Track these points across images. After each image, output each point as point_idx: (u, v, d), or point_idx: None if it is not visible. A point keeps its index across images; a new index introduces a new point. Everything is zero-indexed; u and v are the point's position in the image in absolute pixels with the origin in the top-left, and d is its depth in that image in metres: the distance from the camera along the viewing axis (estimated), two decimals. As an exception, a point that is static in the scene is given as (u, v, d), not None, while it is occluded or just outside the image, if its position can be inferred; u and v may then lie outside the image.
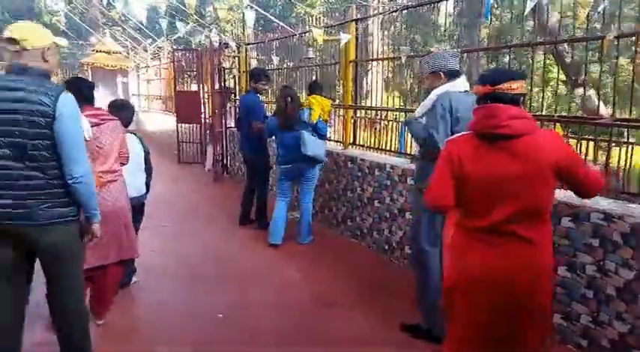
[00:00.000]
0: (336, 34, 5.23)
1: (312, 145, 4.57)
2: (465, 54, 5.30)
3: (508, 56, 3.90)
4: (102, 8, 21.54)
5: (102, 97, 17.69)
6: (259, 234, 5.12)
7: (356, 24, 5.12)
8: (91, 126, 2.81)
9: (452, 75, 2.89)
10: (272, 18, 8.13)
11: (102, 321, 3.15)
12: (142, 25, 11.36)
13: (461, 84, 2.89)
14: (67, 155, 2.08)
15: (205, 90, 9.15)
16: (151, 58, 15.91)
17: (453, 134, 2.75)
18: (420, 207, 2.93)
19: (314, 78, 6.25)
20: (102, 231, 2.46)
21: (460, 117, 2.76)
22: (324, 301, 3.62)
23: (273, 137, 4.97)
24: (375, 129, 5.03)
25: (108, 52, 17.17)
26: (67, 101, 2.08)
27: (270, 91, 6.85)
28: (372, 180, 4.71)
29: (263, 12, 7.73)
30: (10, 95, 2.01)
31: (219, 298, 3.62)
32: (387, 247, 4.56)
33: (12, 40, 2.07)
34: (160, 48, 14.97)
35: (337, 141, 5.65)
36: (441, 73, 2.90)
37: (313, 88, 5.13)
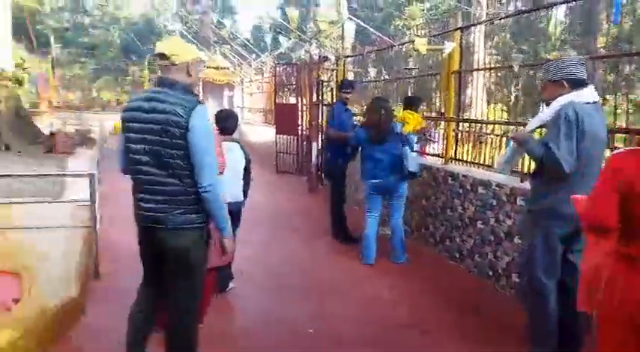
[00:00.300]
0: (439, 44, 4.99)
1: (413, 161, 4.43)
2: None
3: (628, 66, 3.39)
4: (213, 27, 23.21)
5: (210, 109, 19.05)
6: (348, 248, 5.01)
7: (461, 32, 4.85)
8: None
9: (577, 84, 2.56)
10: (371, 29, 8.08)
11: (200, 325, 3.23)
12: (249, 42, 11.94)
13: (588, 94, 2.54)
14: (197, 165, 2.16)
15: (303, 102, 9.33)
16: (255, 73, 16.73)
17: (578, 151, 2.42)
18: (534, 232, 2.61)
19: (410, 90, 6.05)
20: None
21: (586, 131, 2.42)
22: (412, 321, 3.43)
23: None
24: (479, 143, 4.68)
25: (217, 68, 18.41)
26: (200, 113, 2.16)
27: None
28: (475, 199, 4.38)
29: (362, 24, 7.72)
30: (154, 107, 2.15)
31: (304, 308, 3.58)
32: (490, 273, 4.19)
33: (162, 56, 2.21)
34: (263, 63, 15.69)
35: (436, 156, 5.38)
36: (564, 82, 2.57)
37: (410, 103, 4.94)
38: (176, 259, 2.28)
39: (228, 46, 22.17)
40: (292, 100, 10.93)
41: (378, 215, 4.68)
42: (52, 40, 19.39)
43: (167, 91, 2.18)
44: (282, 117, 9.83)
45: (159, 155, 2.15)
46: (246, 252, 4.66)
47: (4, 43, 10.74)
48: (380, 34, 7.50)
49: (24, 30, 17.40)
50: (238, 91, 18.62)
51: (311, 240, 5.40)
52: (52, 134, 11.76)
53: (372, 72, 6.75)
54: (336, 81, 7.93)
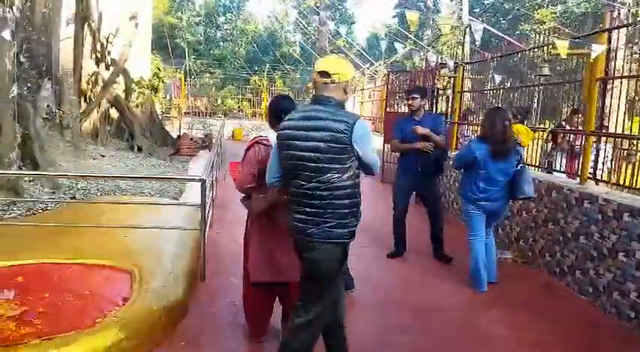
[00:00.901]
0: (581, 48, 4.32)
1: (531, 185, 3.95)
2: None
3: None
4: (330, 37, 23.68)
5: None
6: (451, 268, 4.60)
7: (609, 34, 4.16)
8: None
9: None
10: (498, 33, 7.44)
11: None
12: (364, 50, 11.87)
13: None
14: (367, 164, 2.32)
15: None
16: (367, 81, 16.64)
17: None
18: None
19: (534, 100, 5.39)
20: (280, 248, 2.64)
21: None
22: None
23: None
24: (630, 162, 3.94)
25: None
26: (362, 128, 2.25)
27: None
28: (619, 227, 3.68)
29: (488, 27, 7.12)
30: (314, 123, 2.24)
31: (402, 324, 3.27)
32: (632, 314, 3.47)
33: (324, 73, 2.28)
34: (376, 71, 15.54)
35: (566, 173, 4.67)
36: None
37: (524, 115, 4.37)
38: (313, 271, 2.36)
39: (343, 55, 22.45)
40: (404, 109, 10.57)
41: (483, 238, 4.19)
42: (186, 51, 21.26)
43: (325, 109, 2.26)
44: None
45: (318, 169, 2.24)
46: (350, 264, 4.46)
47: (144, 55, 11.98)
48: (508, 38, 6.84)
49: (163, 42, 19.36)
50: (351, 99, 18.70)
51: (416, 256, 5.01)
52: (178, 137, 12.86)
53: (497, 79, 6.13)
54: (454, 88, 7.44)
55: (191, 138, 12.78)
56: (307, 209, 2.30)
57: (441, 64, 7.64)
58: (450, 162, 4.46)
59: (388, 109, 10.29)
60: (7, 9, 5.10)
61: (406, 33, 12.92)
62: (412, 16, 5.69)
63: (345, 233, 2.32)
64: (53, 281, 3.28)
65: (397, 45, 8.30)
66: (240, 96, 24.38)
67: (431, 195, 4.89)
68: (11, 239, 4.11)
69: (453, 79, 7.51)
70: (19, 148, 5.55)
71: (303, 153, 2.25)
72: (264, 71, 24.60)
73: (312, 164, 2.24)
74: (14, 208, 5.09)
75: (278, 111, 2.87)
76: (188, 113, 19.51)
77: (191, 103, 21.06)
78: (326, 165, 2.23)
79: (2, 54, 5.44)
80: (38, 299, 2.96)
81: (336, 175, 2.24)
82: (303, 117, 2.31)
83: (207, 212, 4.31)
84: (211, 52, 30.18)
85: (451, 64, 7.16)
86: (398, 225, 4.89)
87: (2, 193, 5.21)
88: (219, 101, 23.57)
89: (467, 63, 7.44)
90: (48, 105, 6.44)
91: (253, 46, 29.54)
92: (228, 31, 33.13)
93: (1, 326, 2.61)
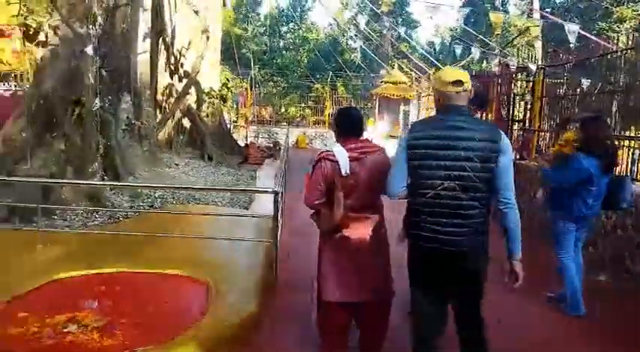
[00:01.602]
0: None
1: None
2: None
3: None
4: (392, 41, 23.37)
5: (385, 124, 19.08)
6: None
7: None
8: (350, 161, 2.65)
9: None
10: (587, 34, 6.86)
11: None
12: (430, 54, 11.52)
13: None
14: (504, 184, 2.27)
15: (489, 117, 8.48)
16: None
17: None
18: None
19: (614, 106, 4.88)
20: (352, 267, 2.61)
21: None
22: None
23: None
24: None
25: (394, 83, 18.40)
26: (505, 139, 2.28)
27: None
28: None
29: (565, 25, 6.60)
30: (460, 134, 2.23)
31: None
32: None
33: (459, 82, 2.27)
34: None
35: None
36: None
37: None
38: (463, 281, 2.36)
39: (405, 61, 22.07)
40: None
41: (573, 255, 3.84)
42: (252, 61, 21.82)
43: (466, 119, 2.27)
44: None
45: (464, 180, 2.22)
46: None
47: (214, 66, 12.36)
48: (596, 38, 6.29)
49: (230, 53, 19.99)
50: (415, 106, 18.28)
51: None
52: (246, 146, 13.13)
53: (585, 83, 5.63)
54: (534, 94, 6.96)
55: (258, 147, 13.01)
56: (447, 219, 2.27)
57: (519, 67, 7.19)
58: (543, 177, 4.08)
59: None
60: (91, 26, 5.41)
61: (476, 34, 12.37)
62: (496, 17, 5.33)
63: (485, 239, 2.34)
64: (133, 291, 3.35)
65: (465, 49, 7.86)
66: (303, 104, 24.65)
67: None
68: (93, 246, 4.28)
69: (532, 83, 7.04)
70: (102, 158, 5.83)
71: (448, 163, 2.24)
72: (326, 79, 24.71)
73: (457, 173, 2.23)
74: (97, 216, 5.34)
75: (348, 123, 2.79)
76: (253, 122, 19.96)
77: (256, 112, 21.55)
78: (471, 175, 2.22)
79: (86, 69, 5.76)
80: (120, 310, 3.01)
81: (479, 185, 2.24)
82: (444, 126, 2.28)
83: (278, 224, 4.27)
84: (275, 61, 30.83)
85: (533, 67, 6.70)
86: None
87: (86, 201, 5.49)
88: (283, 109, 23.96)
89: (547, 66, 6.94)
90: (127, 117, 6.76)
91: (315, 54, 29.81)
92: (290, 40, 33.72)
93: (87, 337, 2.66)
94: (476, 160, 2.21)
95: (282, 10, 33.73)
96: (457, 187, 2.24)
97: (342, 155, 2.63)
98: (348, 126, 2.79)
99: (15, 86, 9.42)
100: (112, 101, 6.50)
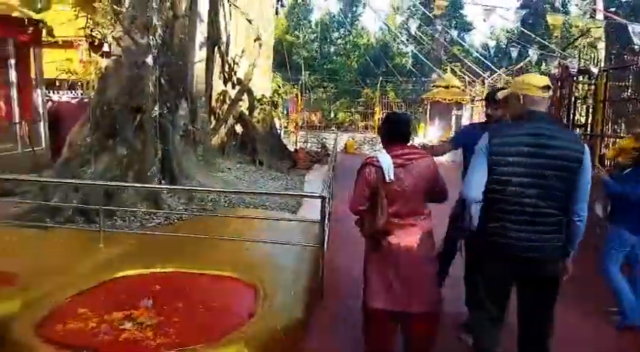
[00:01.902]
0: None
1: None
2: None
3: None
4: (445, 44, 22.91)
5: (436, 129, 18.72)
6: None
7: None
8: (395, 167, 2.64)
9: None
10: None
11: None
12: (484, 57, 11.20)
13: None
14: (581, 195, 2.32)
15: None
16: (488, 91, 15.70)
17: None
18: None
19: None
20: (397, 275, 2.62)
21: None
22: None
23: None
24: None
25: (446, 87, 18.01)
26: (588, 150, 2.34)
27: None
28: None
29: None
30: (546, 142, 2.27)
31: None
32: None
33: (547, 88, 2.34)
34: (497, 80, 14.59)
35: None
36: None
37: None
38: (541, 286, 2.40)
39: (458, 64, 21.54)
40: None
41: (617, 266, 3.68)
42: (302, 68, 22.12)
43: (552, 127, 2.32)
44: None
45: (548, 187, 2.26)
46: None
47: (266, 73, 12.64)
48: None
49: (281, 59, 20.36)
50: (467, 110, 17.79)
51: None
52: (295, 151, 13.31)
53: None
54: (596, 97, 6.60)
55: (307, 152, 13.15)
56: (527, 226, 2.29)
57: (579, 70, 6.84)
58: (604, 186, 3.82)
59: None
60: (152, 37, 5.70)
61: (534, 36, 11.88)
62: (554, 19, 5.10)
63: (563, 247, 2.37)
64: (185, 291, 3.46)
65: (522, 50, 7.56)
66: (352, 109, 24.63)
67: None
68: (150, 247, 4.49)
69: (594, 87, 6.67)
70: (160, 163, 6.11)
71: (532, 171, 2.27)
72: (376, 84, 24.60)
73: (543, 181, 2.26)
74: (154, 217, 5.59)
75: (393, 130, 2.79)
76: (303, 127, 20.18)
77: (306, 117, 21.78)
78: (556, 184, 2.26)
79: (146, 77, 6.07)
80: (172, 309, 3.13)
81: (559, 193, 2.28)
82: (530, 133, 2.30)
83: (325, 229, 4.29)
84: (325, 66, 31.06)
85: (595, 70, 6.35)
86: None
87: (145, 204, 5.77)
88: (332, 114, 24.06)
89: (611, 68, 6.56)
90: (184, 123, 7.05)
91: (365, 59, 29.76)
92: (341, 46, 33.87)
93: (141, 334, 2.79)
94: (559, 169, 2.25)
95: (333, 17, 33.97)
96: (538, 194, 2.26)
97: (386, 161, 2.62)
98: (394, 132, 2.79)
99: (81, 94, 10.08)
100: (170, 108, 6.80)
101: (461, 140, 3.91)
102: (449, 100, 17.74)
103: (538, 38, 11.61)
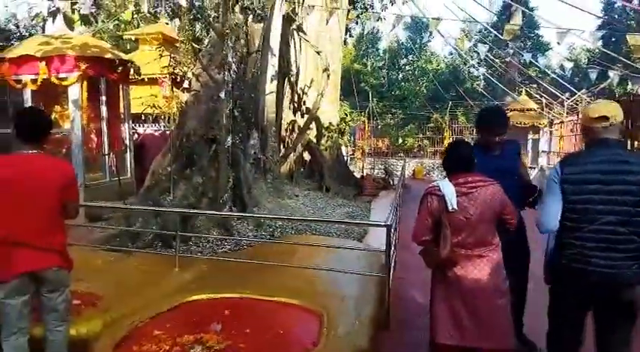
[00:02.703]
0: None
1: None
2: None
3: None
4: (520, 67, 22.11)
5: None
6: None
7: None
8: (458, 196, 2.58)
9: None
10: None
11: None
12: (563, 78, 10.67)
13: None
14: None
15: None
16: (567, 113, 14.84)
17: None
18: None
19: None
20: (465, 309, 2.58)
21: None
22: None
23: None
24: None
25: (521, 110, 17.29)
26: None
27: None
28: None
29: None
30: (619, 168, 2.32)
31: None
32: None
33: (603, 118, 2.39)
34: (578, 102, 13.78)
35: None
36: None
37: None
38: (627, 311, 2.39)
39: (535, 86, 20.64)
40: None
41: None
42: (370, 95, 22.31)
43: (619, 152, 2.39)
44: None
45: (628, 214, 2.28)
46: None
47: (334, 103, 12.90)
48: None
49: (349, 87, 20.69)
50: (546, 134, 16.90)
51: None
52: (362, 178, 13.32)
53: None
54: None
55: (373, 179, 13.11)
56: (606, 253, 2.32)
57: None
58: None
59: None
60: (227, 73, 6.09)
61: (615, 55, 11.15)
62: (636, 40, 4.74)
63: None
64: (252, 317, 3.55)
65: (611, 73, 7.11)
66: (421, 134, 24.31)
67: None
68: (220, 272, 4.67)
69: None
70: (231, 190, 6.41)
71: (608, 197, 2.32)
72: (445, 108, 24.17)
73: (621, 207, 2.29)
74: (225, 243, 5.83)
75: (455, 158, 2.75)
76: (370, 154, 20.20)
77: (373, 144, 21.80)
78: (630, 209, 2.28)
79: (221, 110, 6.44)
80: (240, 334, 3.22)
81: (638, 219, 2.29)
82: (604, 160, 2.37)
83: (391, 258, 4.23)
84: (392, 93, 31.08)
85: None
86: None
87: (217, 230, 6.05)
88: (400, 140, 23.88)
89: None
90: (254, 152, 7.37)
91: (435, 85, 29.43)
92: (409, 72, 33.80)
93: (210, 357, 2.90)
94: (635, 193, 2.27)
95: (402, 44, 34.10)
96: (616, 221, 2.29)
97: (448, 189, 2.59)
98: (455, 160, 2.75)
99: (163, 127, 10.88)
100: (241, 138, 7.14)
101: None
102: (524, 124, 16.98)
103: (621, 57, 10.87)
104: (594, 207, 2.33)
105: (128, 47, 14.02)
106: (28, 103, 7.22)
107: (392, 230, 4.16)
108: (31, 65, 6.94)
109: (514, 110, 17.58)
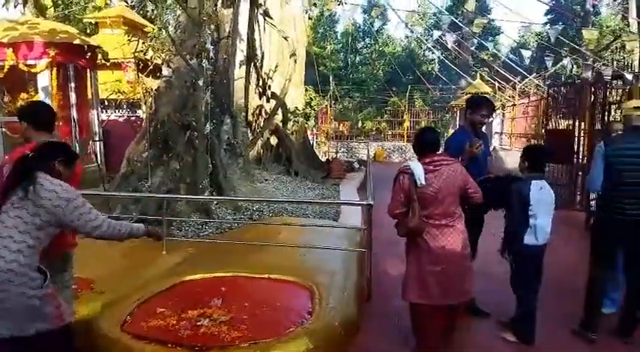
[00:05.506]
0: None
1: None
2: None
3: None
4: (472, 50, 22.90)
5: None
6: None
7: None
8: (425, 173, 3.02)
9: None
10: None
11: None
12: (515, 63, 11.29)
13: None
14: None
15: (582, 128, 8.20)
16: (519, 96, 15.68)
17: None
18: None
19: None
20: (434, 271, 3.05)
21: None
22: None
23: None
24: None
25: (477, 94, 18.04)
26: None
27: None
28: None
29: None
30: None
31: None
32: None
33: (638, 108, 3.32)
34: (527, 85, 14.58)
35: None
36: None
37: None
38: None
39: (487, 70, 21.50)
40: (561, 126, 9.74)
41: None
42: (331, 78, 22.51)
43: None
44: (554, 144, 8.84)
45: None
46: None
47: (299, 87, 13.06)
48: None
49: (309, 71, 20.78)
50: (498, 117, 17.76)
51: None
52: (328, 161, 13.64)
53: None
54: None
55: (339, 161, 13.47)
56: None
57: (615, 74, 6.94)
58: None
59: (550, 126, 9.59)
60: (204, 60, 6.14)
61: (566, 40, 11.87)
62: (589, 34, 5.21)
63: None
64: (248, 293, 3.80)
65: (560, 57, 7.67)
66: (380, 117, 24.84)
67: None
68: (207, 253, 4.87)
69: (628, 92, 6.75)
70: (209, 176, 6.53)
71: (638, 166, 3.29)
72: (403, 92, 24.76)
73: None
74: (206, 227, 5.99)
75: (423, 142, 3.22)
76: (332, 137, 20.54)
77: (335, 127, 22.13)
78: None
79: (198, 97, 6.52)
80: (240, 308, 3.46)
81: None
82: (634, 141, 3.33)
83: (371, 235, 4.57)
84: (351, 76, 31.42)
85: (629, 76, 6.45)
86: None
87: (198, 214, 6.19)
88: (360, 124, 24.32)
89: (646, 72, 6.64)
90: (228, 138, 7.48)
91: (392, 68, 29.96)
92: (367, 55, 34.17)
93: (217, 329, 3.13)
94: None
95: (359, 27, 34.34)
96: None
97: (417, 167, 3.04)
98: (424, 144, 3.22)
99: (127, 113, 10.71)
100: (215, 124, 7.23)
101: (457, 149, 3.71)
102: (479, 106, 17.72)
103: (570, 42, 11.60)
104: (630, 173, 3.27)
105: (87, 31, 13.51)
106: (-8, 89, 6.98)
107: (372, 210, 4.48)
108: (-4, 51, 6.70)
109: (468, 93, 18.31)
